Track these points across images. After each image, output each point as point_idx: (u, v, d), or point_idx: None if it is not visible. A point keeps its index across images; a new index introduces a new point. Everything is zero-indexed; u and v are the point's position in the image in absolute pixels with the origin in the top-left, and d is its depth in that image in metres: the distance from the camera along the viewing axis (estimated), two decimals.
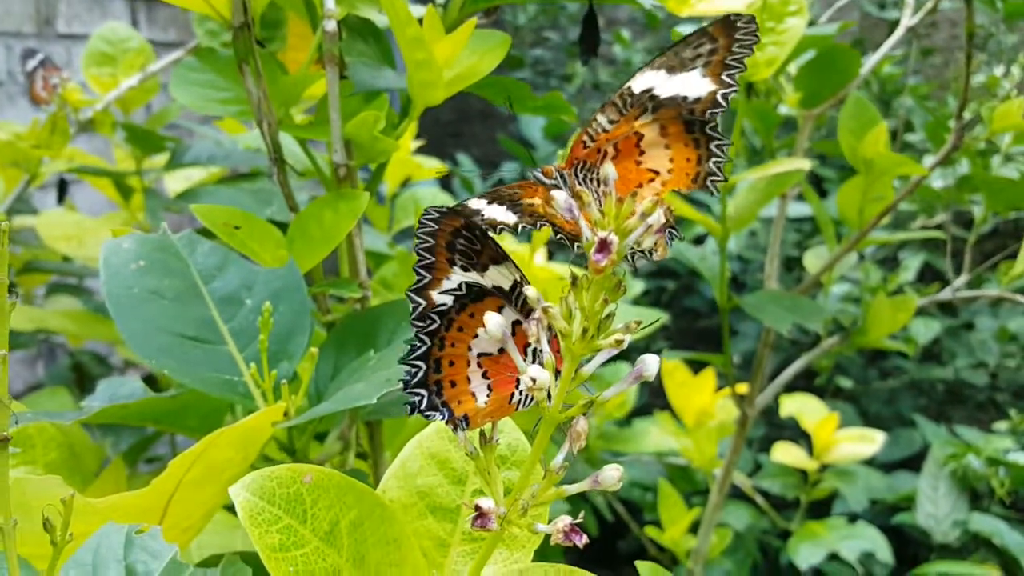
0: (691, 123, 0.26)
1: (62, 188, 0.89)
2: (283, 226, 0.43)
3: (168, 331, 0.35)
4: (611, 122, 0.26)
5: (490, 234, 0.23)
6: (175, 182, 0.89)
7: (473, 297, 0.23)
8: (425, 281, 0.23)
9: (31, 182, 0.78)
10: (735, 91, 0.26)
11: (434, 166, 0.98)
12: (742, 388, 0.69)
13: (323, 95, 0.44)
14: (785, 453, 0.99)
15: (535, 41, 1.71)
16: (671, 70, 0.26)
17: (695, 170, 0.25)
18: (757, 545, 1.03)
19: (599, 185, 0.20)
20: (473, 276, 0.23)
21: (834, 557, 0.98)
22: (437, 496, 0.26)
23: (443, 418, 0.23)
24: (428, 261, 0.23)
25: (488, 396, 0.23)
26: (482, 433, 0.23)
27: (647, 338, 1.38)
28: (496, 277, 0.23)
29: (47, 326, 0.79)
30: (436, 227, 0.23)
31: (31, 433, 0.40)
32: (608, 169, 0.20)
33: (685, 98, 0.26)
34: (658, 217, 0.19)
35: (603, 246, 0.19)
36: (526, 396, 0.23)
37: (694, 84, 0.26)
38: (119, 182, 0.82)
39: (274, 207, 0.73)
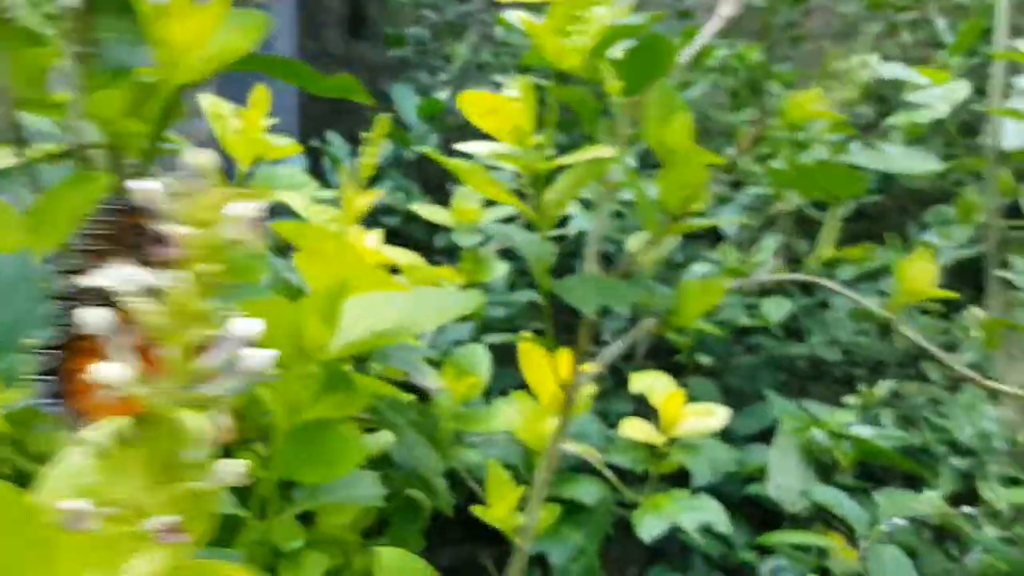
0: None
1: None
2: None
3: None
4: None
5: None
6: None
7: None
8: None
9: None
10: None
11: (285, 145, 0.96)
12: (563, 364, 0.70)
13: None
14: (634, 428, 1.01)
15: (416, 19, 1.69)
16: None
17: None
18: (611, 518, 1.05)
19: None
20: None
21: (706, 529, 1.00)
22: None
23: (61, 410, 0.22)
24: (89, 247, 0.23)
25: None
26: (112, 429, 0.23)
27: (520, 317, 1.39)
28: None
29: None
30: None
31: None
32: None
33: None
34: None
35: (170, 243, 0.19)
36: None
37: None
38: None
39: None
